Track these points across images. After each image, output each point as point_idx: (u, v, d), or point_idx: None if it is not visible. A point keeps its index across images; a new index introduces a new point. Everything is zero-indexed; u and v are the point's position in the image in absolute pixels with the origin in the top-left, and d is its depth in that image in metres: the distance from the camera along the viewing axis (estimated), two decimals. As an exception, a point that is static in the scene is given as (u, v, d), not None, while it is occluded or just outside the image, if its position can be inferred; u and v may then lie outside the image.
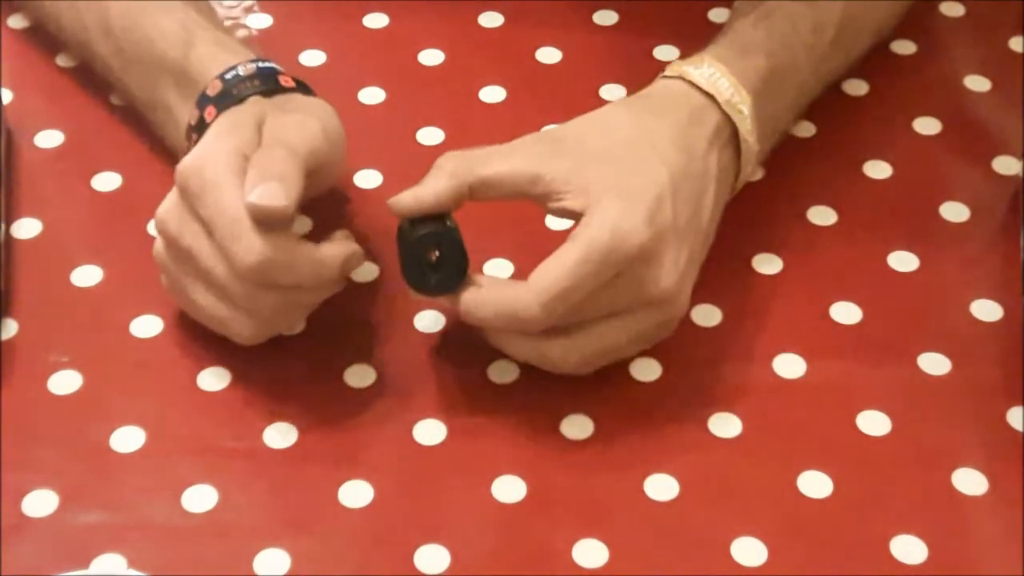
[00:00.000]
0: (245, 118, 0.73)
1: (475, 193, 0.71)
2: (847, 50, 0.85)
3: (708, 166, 0.74)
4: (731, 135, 0.75)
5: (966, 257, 0.80)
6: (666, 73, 0.77)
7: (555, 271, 0.68)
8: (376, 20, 0.93)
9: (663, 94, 0.76)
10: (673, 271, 0.70)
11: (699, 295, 0.74)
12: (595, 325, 0.71)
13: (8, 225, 0.80)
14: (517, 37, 0.92)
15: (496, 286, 0.71)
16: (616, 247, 0.68)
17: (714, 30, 0.91)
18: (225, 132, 0.72)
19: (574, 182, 0.70)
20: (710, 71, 0.75)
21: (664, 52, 0.91)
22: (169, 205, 0.71)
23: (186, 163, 0.71)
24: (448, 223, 0.71)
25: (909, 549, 0.67)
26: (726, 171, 0.75)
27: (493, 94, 0.89)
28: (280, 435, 0.71)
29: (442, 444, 0.71)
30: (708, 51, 0.77)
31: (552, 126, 0.76)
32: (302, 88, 0.77)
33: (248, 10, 0.93)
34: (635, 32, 0.92)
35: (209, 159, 0.70)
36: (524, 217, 0.76)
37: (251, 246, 0.68)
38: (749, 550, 0.67)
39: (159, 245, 0.73)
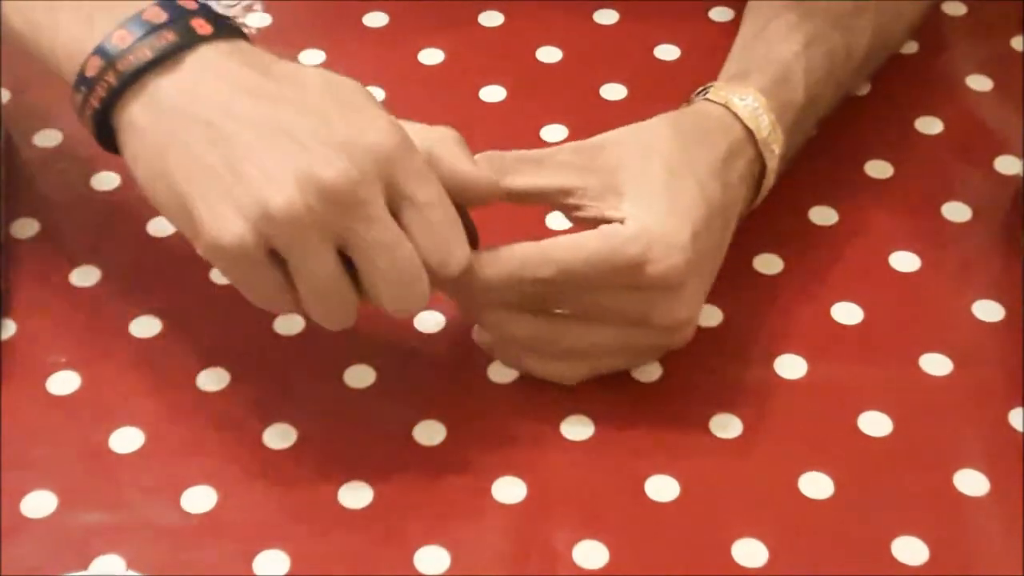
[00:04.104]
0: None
1: (500, 197, 0.70)
2: (867, 72, 0.85)
3: (735, 202, 0.73)
4: (759, 172, 0.75)
5: (968, 257, 0.80)
6: (709, 96, 0.75)
7: (575, 250, 0.68)
8: (376, 19, 0.93)
9: (706, 120, 0.74)
10: (689, 303, 0.70)
11: (700, 295, 0.74)
12: (592, 322, 0.70)
13: (7, 225, 0.80)
14: (517, 36, 0.92)
15: (502, 247, 0.69)
16: (641, 265, 0.67)
17: (715, 29, 0.92)
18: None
19: (610, 198, 0.69)
20: (754, 104, 0.74)
21: (665, 51, 0.91)
22: (372, 165, 0.63)
23: (398, 132, 0.65)
24: None
25: (910, 550, 0.67)
26: (743, 207, 0.75)
27: (493, 93, 0.88)
28: (279, 435, 0.71)
29: (442, 444, 0.71)
30: (752, 79, 0.76)
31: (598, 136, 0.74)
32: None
33: (248, 9, 0.93)
34: (636, 31, 0.92)
35: (408, 135, 0.65)
36: (524, 217, 0.76)
37: (463, 253, 0.66)
38: (750, 551, 0.67)
39: (304, 203, 0.62)
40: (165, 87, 0.66)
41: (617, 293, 0.69)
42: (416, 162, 0.65)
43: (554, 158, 0.71)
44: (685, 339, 0.72)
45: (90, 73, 0.66)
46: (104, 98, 0.66)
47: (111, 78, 0.66)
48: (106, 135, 0.68)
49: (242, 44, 0.67)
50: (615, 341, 0.71)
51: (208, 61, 0.66)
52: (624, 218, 0.68)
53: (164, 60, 0.66)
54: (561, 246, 0.68)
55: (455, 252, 0.66)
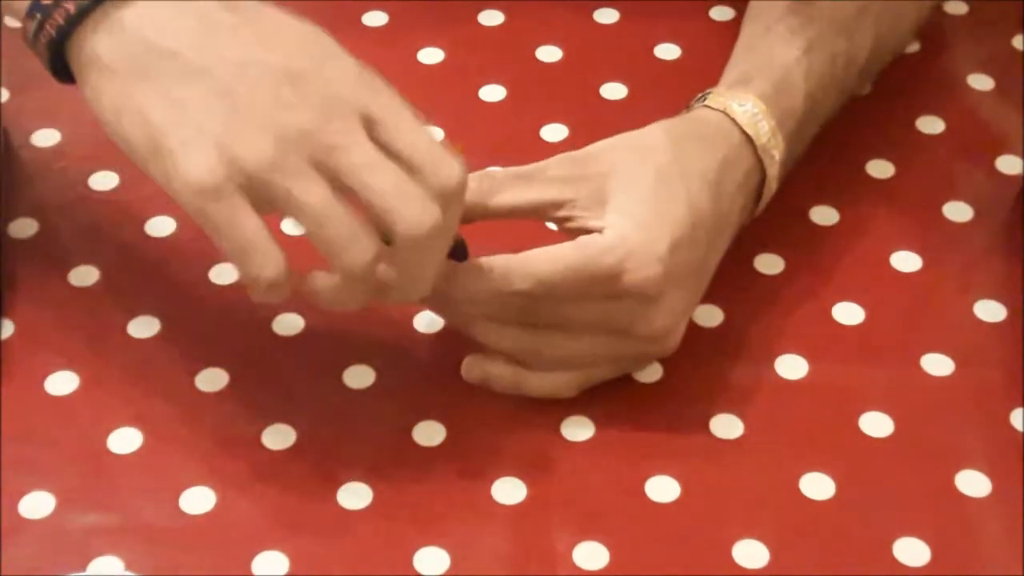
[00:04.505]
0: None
1: (491, 215, 0.70)
2: (869, 77, 0.84)
3: (731, 211, 0.73)
4: (759, 181, 0.74)
5: (969, 257, 0.80)
6: (708, 102, 0.75)
7: (552, 262, 0.67)
8: (375, 18, 0.93)
9: (704, 127, 0.74)
10: (669, 314, 0.70)
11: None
12: (575, 332, 0.70)
13: (5, 225, 0.80)
14: (517, 35, 0.92)
15: (482, 260, 0.69)
16: (617, 275, 0.67)
17: (715, 29, 0.91)
18: None
19: (595, 208, 0.69)
20: (754, 110, 0.74)
21: (665, 51, 0.91)
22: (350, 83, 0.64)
23: (366, 72, 0.65)
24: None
25: (912, 551, 0.67)
26: (742, 214, 0.74)
27: (493, 93, 0.88)
28: (278, 436, 0.71)
29: (442, 445, 0.71)
30: (752, 86, 0.75)
31: (596, 144, 0.73)
32: None
33: (247, 8, 0.93)
34: (636, 31, 0.92)
35: (377, 76, 0.65)
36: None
37: (456, 165, 0.64)
38: (751, 552, 0.67)
39: (281, 149, 0.62)
40: (128, 16, 0.64)
41: (597, 303, 0.69)
42: (385, 90, 0.65)
43: (544, 172, 0.71)
44: (668, 349, 0.72)
45: (46, 0, 0.65)
46: (61, 26, 0.65)
47: (69, 5, 0.64)
48: (59, 65, 0.66)
49: None
50: (599, 351, 0.71)
51: None
52: (603, 227, 0.68)
53: None
54: (538, 258, 0.68)
55: (447, 157, 0.64)
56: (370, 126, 0.64)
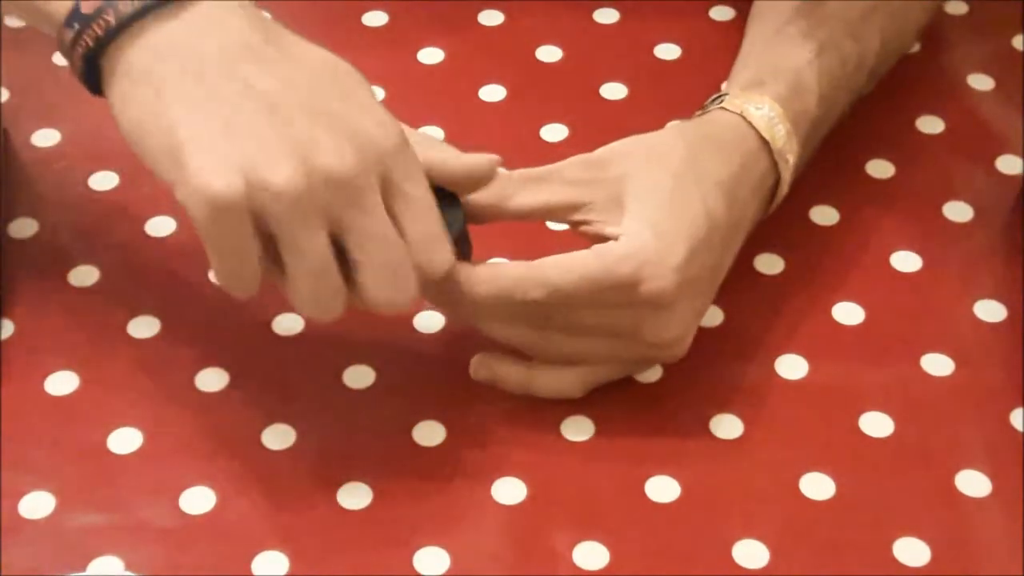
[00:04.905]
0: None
1: (508, 215, 0.70)
2: (875, 78, 0.84)
3: (744, 216, 0.73)
4: (772, 184, 0.74)
5: (969, 257, 0.80)
6: (725, 104, 0.74)
7: (567, 272, 0.67)
8: (375, 18, 0.93)
9: (722, 130, 0.73)
10: (680, 322, 0.70)
11: (700, 295, 0.73)
12: (583, 335, 0.70)
13: (5, 225, 0.80)
14: (517, 35, 0.92)
15: (495, 266, 0.69)
16: (633, 284, 0.67)
17: (715, 28, 0.91)
18: None
19: (613, 213, 0.69)
20: (771, 113, 0.73)
21: (665, 51, 0.91)
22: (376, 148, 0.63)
23: (399, 128, 0.64)
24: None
25: (912, 551, 0.67)
26: (754, 218, 0.74)
27: (493, 93, 0.88)
28: (279, 436, 0.71)
29: (442, 445, 0.71)
30: (767, 88, 0.75)
31: (613, 144, 0.72)
32: None
33: (247, 8, 0.93)
34: (636, 31, 0.92)
35: (406, 132, 0.65)
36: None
37: (444, 260, 0.65)
38: (751, 552, 0.67)
39: (306, 183, 0.61)
40: (166, 32, 0.64)
41: (609, 309, 0.68)
42: (412, 160, 0.65)
43: (560, 174, 0.71)
44: (677, 355, 0.72)
45: (87, 10, 0.64)
46: (99, 37, 0.64)
47: (109, 17, 0.64)
48: (91, 75, 0.66)
49: (245, 3, 0.66)
50: (607, 352, 0.71)
51: (212, 12, 0.64)
52: (620, 235, 0.68)
53: (167, 4, 0.64)
54: (553, 267, 0.67)
55: (441, 250, 0.65)
56: (386, 183, 0.64)
